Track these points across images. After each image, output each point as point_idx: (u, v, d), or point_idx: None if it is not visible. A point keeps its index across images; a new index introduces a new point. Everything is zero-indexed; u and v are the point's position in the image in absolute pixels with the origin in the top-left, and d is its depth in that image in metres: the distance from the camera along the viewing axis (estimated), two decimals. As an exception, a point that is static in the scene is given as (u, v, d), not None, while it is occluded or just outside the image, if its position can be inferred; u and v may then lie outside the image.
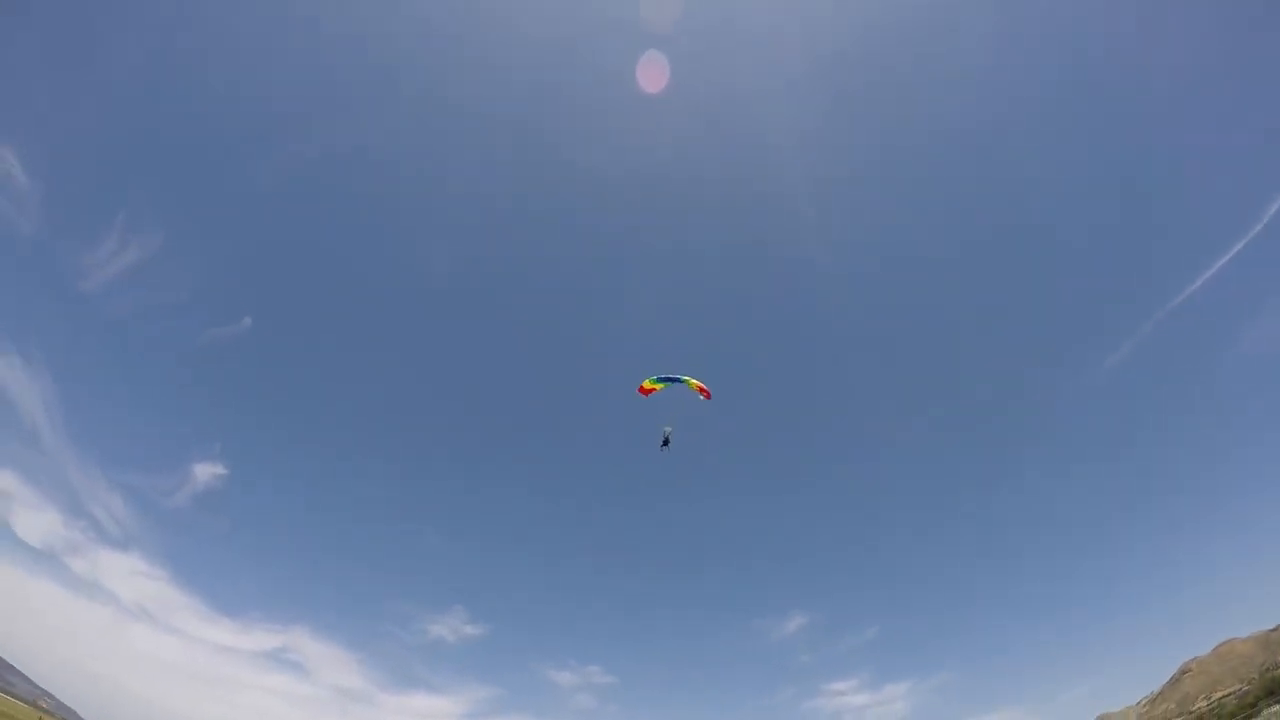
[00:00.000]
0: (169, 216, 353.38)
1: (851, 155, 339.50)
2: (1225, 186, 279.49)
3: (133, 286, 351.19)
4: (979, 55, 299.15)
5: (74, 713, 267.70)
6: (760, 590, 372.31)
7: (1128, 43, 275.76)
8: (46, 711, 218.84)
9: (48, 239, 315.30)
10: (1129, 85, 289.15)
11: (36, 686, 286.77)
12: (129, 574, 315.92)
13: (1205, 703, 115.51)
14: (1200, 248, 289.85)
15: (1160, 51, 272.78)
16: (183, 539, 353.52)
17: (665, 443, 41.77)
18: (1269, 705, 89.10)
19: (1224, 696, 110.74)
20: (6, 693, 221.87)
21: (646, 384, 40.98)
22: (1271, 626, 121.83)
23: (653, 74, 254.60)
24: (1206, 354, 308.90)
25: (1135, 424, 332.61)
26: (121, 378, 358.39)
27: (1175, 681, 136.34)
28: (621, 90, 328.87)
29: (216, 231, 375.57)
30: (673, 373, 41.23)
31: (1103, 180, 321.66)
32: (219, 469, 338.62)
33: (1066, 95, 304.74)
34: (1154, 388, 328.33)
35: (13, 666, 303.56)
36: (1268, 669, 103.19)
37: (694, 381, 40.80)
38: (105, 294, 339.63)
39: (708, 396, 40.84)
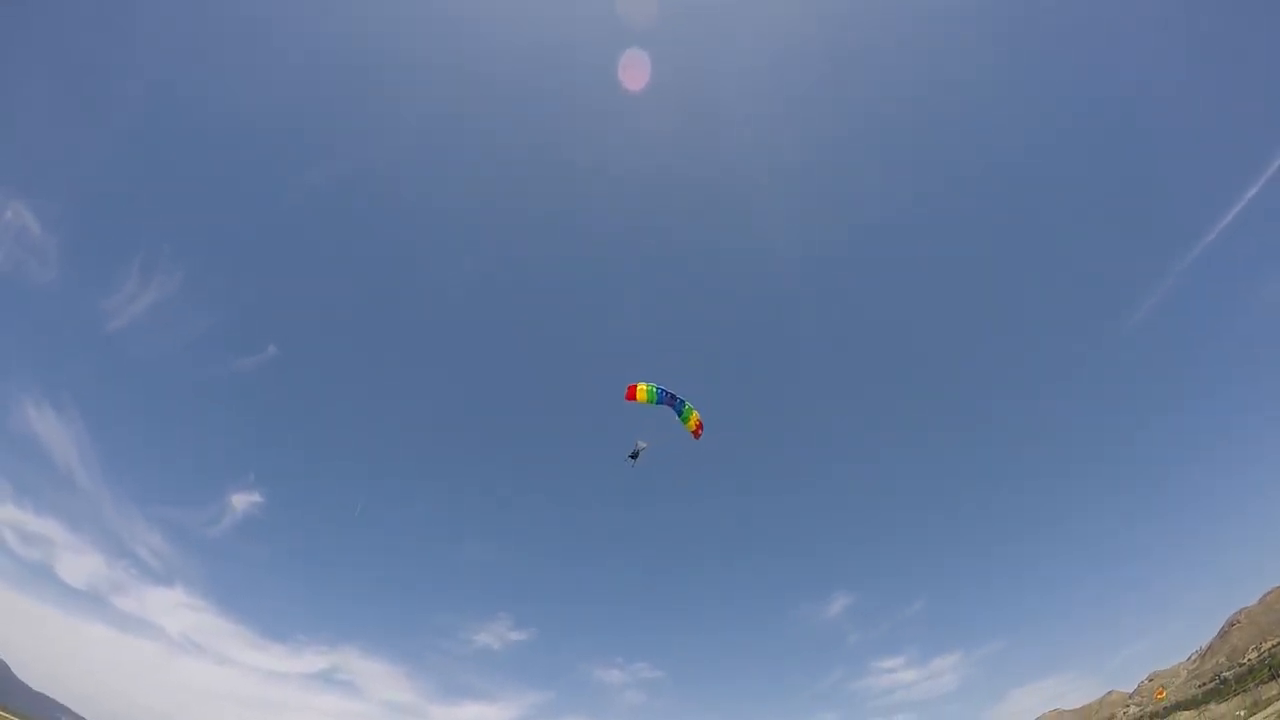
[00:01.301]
0: (186, 253, 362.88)
1: (841, 140, 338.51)
2: (1203, 177, 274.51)
3: (156, 325, 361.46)
4: (966, 28, 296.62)
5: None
6: (801, 574, 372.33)
7: (1113, 30, 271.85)
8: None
9: (67, 287, 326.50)
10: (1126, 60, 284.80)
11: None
12: (174, 607, 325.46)
13: (1255, 654, 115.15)
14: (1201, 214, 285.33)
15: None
16: (225, 568, 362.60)
17: (634, 455, 37.41)
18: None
19: (1274, 646, 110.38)
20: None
21: (640, 393, 35.94)
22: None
23: (634, 72, 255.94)
24: (1231, 302, 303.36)
25: (1172, 380, 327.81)
26: (152, 415, 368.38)
27: (1224, 634, 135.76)
28: (605, 88, 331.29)
29: (234, 264, 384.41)
30: (672, 388, 36.18)
31: (1087, 157, 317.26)
32: (255, 497, 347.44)
33: (1056, 84, 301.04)
34: (1186, 342, 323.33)
35: (68, 708, 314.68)
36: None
37: (694, 417, 36.26)
38: (129, 335, 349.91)
39: (697, 438, 36.79)
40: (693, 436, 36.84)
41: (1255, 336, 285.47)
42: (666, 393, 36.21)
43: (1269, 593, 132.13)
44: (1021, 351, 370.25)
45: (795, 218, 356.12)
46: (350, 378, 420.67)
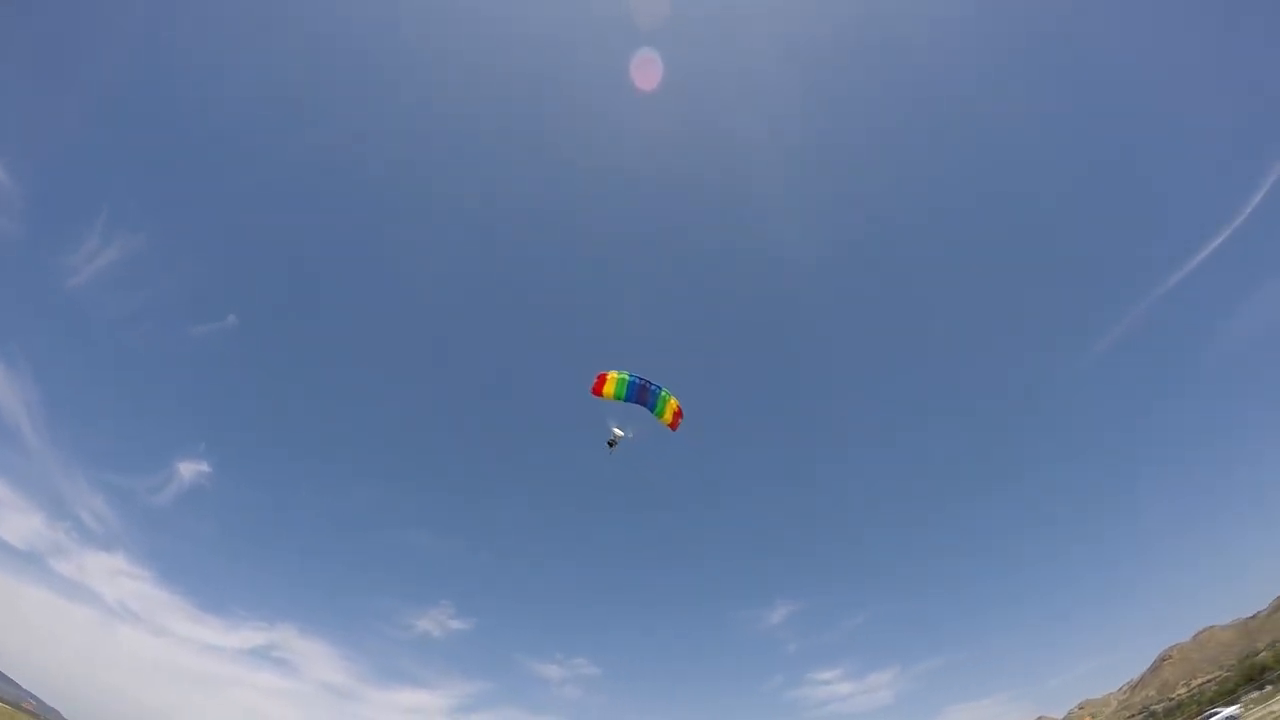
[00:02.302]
0: (153, 214, 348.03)
1: (842, 146, 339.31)
2: (1206, 180, 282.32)
3: (115, 285, 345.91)
4: (968, 45, 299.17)
5: (59, 714, 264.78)
6: (746, 580, 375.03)
7: (1112, 34, 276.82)
8: (32, 714, 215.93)
9: (29, 238, 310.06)
10: (1118, 73, 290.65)
11: (21, 689, 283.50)
12: (113, 574, 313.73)
13: (1185, 689, 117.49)
14: (1180, 243, 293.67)
15: (1146, 41, 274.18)
16: (167, 538, 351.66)
17: (611, 444, 33.91)
18: (1248, 692, 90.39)
19: (1204, 683, 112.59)
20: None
21: (610, 385, 31.73)
22: (1250, 614, 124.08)
23: (646, 71, 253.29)
24: (1190, 344, 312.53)
25: (1119, 414, 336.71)
26: (104, 376, 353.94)
27: (1156, 668, 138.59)
28: (615, 86, 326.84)
29: (202, 229, 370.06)
30: (646, 376, 31.94)
31: (1088, 167, 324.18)
32: (204, 466, 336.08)
33: (1058, 85, 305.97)
34: (1139, 377, 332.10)
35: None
36: (1247, 656, 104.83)
37: (671, 405, 32.12)
38: (87, 293, 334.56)
39: (674, 428, 32.96)
40: (669, 429, 32.76)
41: (1207, 378, 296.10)
42: (638, 383, 31.69)
43: (1202, 631, 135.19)
44: (975, 372, 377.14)
45: (796, 218, 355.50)
46: (310, 356, 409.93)
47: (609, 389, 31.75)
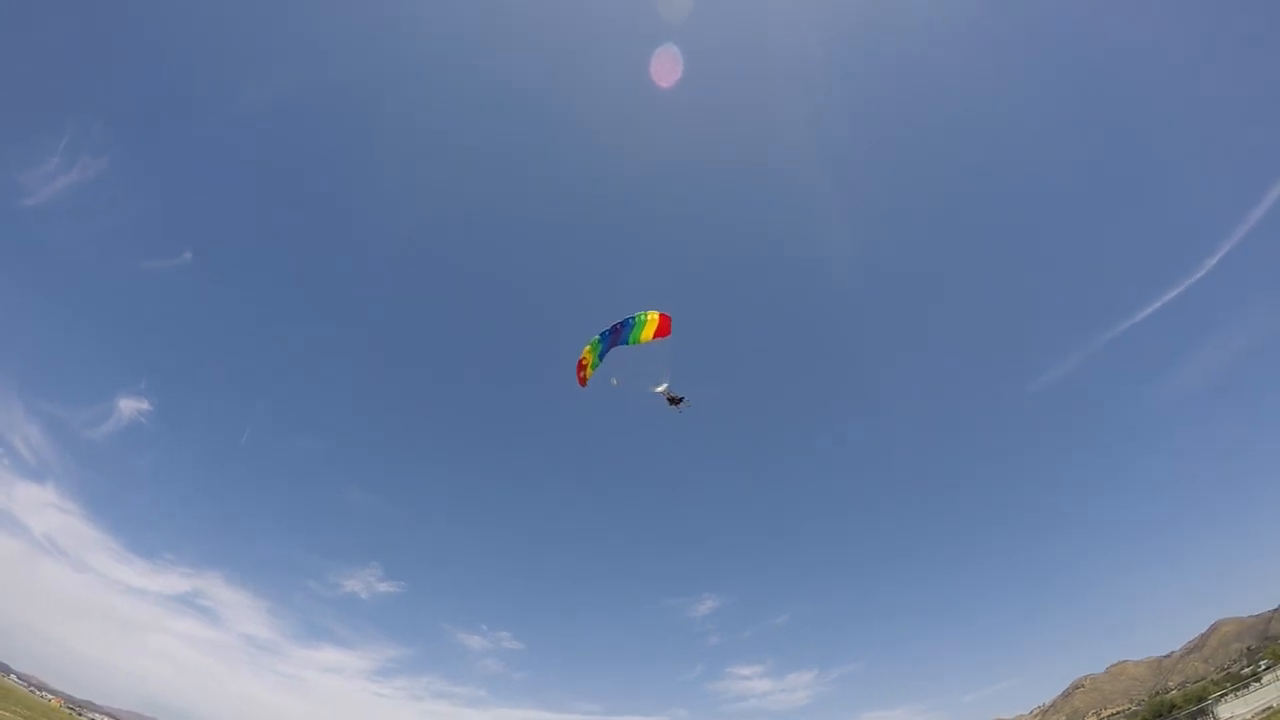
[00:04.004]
0: (118, 139, 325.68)
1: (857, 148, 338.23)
2: (1179, 221, 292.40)
3: (72, 210, 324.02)
4: (980, 50, 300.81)
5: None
6: (674, 570, 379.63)
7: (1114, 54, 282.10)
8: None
9: None
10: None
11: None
12: (42, 506, 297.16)
13: (1095, 718, 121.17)
14: (1150, 278, 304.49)
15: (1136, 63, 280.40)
16: (101, 474, 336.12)
17: (674, 401, 30.30)
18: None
19: (1113, 715, 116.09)
20: None
21: (586, 360, 28.41)
22: (1164, 653, 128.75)
23: (666, 68, 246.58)
24: (1132, 387, 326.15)
25: (1058, 446, 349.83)
26: (52, 302, 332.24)
27: (1068, 695, 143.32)
28: (635, 83, 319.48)
29: (166, 162, 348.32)
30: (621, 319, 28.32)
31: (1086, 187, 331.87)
32: (144, 404, 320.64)
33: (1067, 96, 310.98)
34: (1081, 411, 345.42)
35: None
36: (1158, 693, 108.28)
37: (651, 319, 28.45)
38: (44, 214, 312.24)
39: (667, 333, 29.28)
40: (661, 336, 29.50)
41: (1146, 422, 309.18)
42: (607, 333, 28.44)
43: (1115, 664, 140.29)
44: (926, 381, 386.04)
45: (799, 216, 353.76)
46: (262, 301, 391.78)
47: (588, 360, 28.58)
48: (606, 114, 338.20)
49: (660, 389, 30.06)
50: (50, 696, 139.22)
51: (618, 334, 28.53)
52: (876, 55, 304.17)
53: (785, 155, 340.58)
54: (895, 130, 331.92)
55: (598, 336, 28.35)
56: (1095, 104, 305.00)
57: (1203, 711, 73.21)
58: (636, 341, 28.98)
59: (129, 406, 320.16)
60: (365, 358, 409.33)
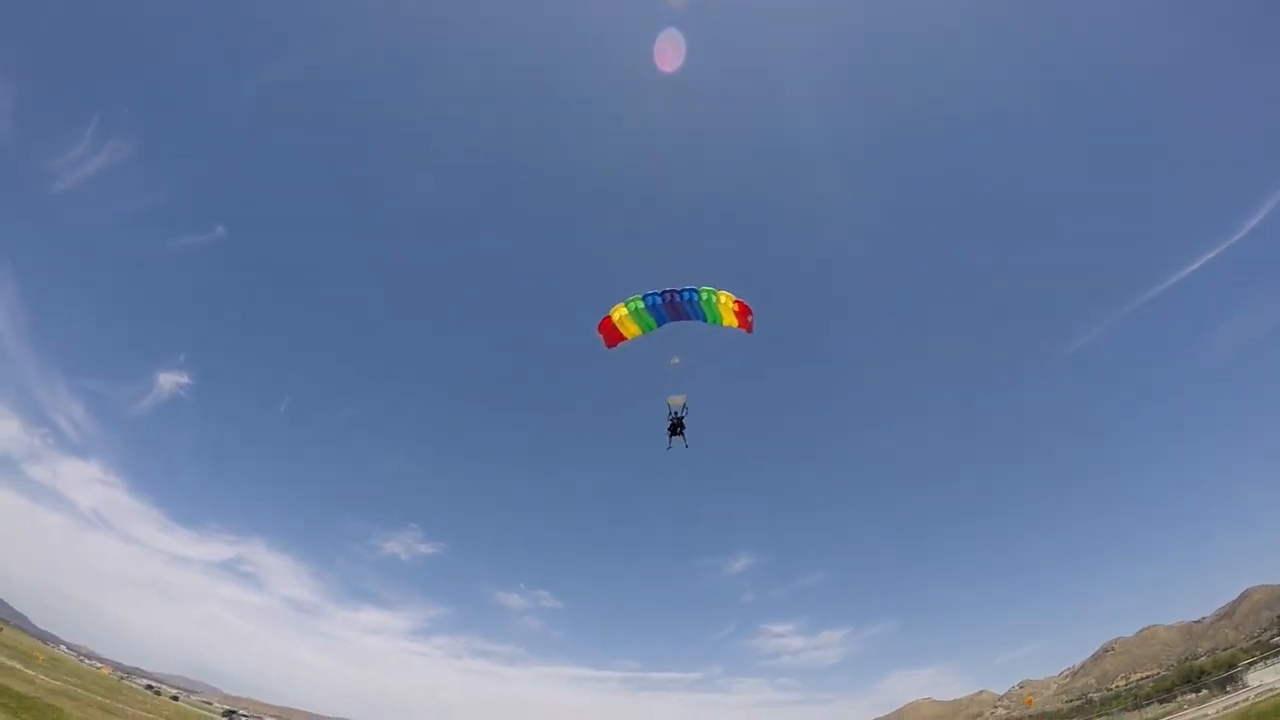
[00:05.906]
0: (146, 119, 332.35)
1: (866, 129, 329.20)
2: (1212, 192, 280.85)
3: (104, 191, 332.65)
4: (987, 43, 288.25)
5: (26, 619, 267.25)
6: (710, 529, 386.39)
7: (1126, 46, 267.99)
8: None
9: (18, 139, 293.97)
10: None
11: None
12: (88, 481, 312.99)
13: (1124, 682, 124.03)
14: (1178, 248, 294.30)
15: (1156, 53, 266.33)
16: (144, 448, 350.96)
17: (673, 429, 25.06)
18: (1184, 693, 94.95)
19: (1142, 679, 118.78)
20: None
21: (620, 322, 23.00)
22: (1195, 619, 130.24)
23: (669, 53, 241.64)
24: (1170, 349, 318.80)
25: (1086, 413, 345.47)
26: (89, 282, 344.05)
27: (1098, 658, 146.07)
28: (638, 67, 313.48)
29: (195, 139, 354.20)
30: (670, 287, 22.38)
31: (1098, 167, 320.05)
32: (184, 378, 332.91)
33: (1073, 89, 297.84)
34: (1115, 375, 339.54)
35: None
36: (1187, 658, 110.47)
37: (724, 302, 22.32)
38: (75, 197, 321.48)
39: (749, 328, 23.02)
40: (743, 329, 23.14)
41: (1182, 385, 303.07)
42: (661, 299, 22.45)
43: (1145, 628, 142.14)
44: (963, 348, 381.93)
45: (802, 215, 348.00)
46: (295, 273, 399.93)
47: (623, 326, 23.05)
48: (610, 98, 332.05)
49: (677, 401, 24.79)
50: (100, 665, 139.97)
51: (675, 305, 22.81)
52: (884, 38, 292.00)
53: (790, 137, 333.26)
54: (908, 103, 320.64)
55: (641, 299, 22.71)
56: (1128, 61, 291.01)
57: (1232, 679, 75.35)
58: (711, 321, 23.25)
59: (169, 381, 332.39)
60: (401, 324, 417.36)
